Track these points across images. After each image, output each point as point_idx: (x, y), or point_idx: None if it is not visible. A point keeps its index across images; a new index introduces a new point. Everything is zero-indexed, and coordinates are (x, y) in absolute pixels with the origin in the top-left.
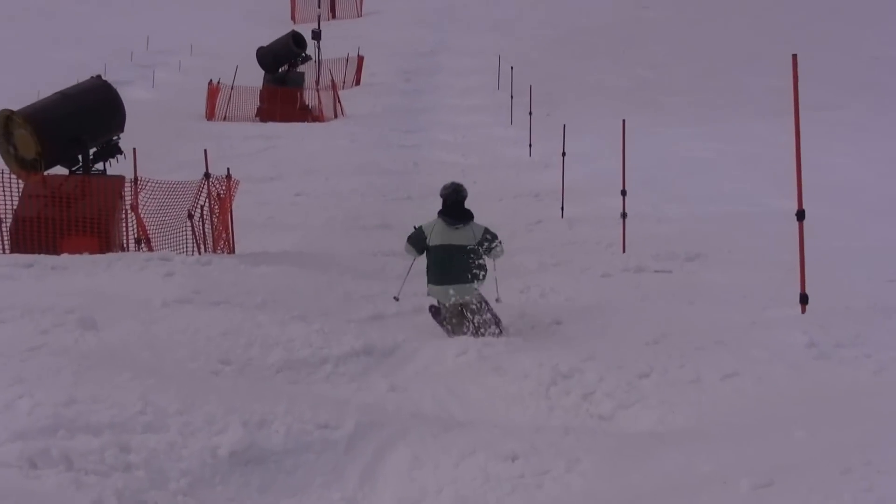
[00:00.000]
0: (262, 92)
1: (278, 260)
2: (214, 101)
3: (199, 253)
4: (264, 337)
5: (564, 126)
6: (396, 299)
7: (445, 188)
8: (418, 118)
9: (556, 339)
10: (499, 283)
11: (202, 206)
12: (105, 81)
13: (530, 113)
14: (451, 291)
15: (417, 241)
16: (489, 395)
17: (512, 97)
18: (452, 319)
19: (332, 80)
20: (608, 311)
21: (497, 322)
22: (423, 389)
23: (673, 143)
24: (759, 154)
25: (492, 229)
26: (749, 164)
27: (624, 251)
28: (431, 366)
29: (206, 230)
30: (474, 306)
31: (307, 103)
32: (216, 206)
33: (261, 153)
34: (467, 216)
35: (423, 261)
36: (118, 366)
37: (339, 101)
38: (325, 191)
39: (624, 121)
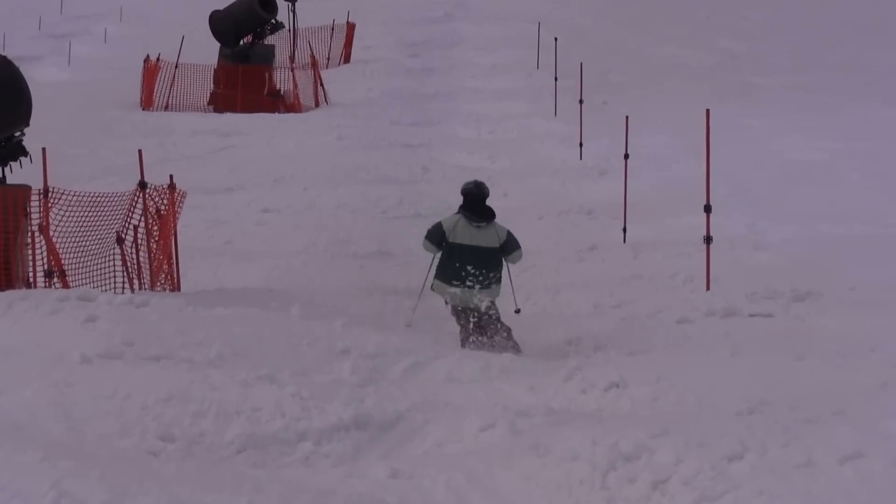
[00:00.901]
0: (217, 72)
1: (239, 299)
2: (152, 85)
3: (132, 290)
4: (220, 404)
5: (627, 119)
6: (409, 326)
7: (467, 184)
8: (429, 107)
9: (615, 407)
10: (516, 294)
11: (136, 227)
12: (3, 57)
13: (581, 101)
14: (466, 294)
15: (436, 238)
16: (524, 484)
17: (556, 79)
18: (464, 323)
19: (313, 57)
20: (687, 369)
21: (508, 332)
22: (434, 476)
23: (772, 141)
24: (889, 155)
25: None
26: (875, 170)
27: (708, 288)
28: (446, 443)
29: (142, 259)
30: (488, 314)
31: (278, 87)
32: (155, 227)
33: (216, 155)
34: (489, 214)
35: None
36: (23, 443)
37: (322, 85)
38: (303, 206)
39: (708, 111)
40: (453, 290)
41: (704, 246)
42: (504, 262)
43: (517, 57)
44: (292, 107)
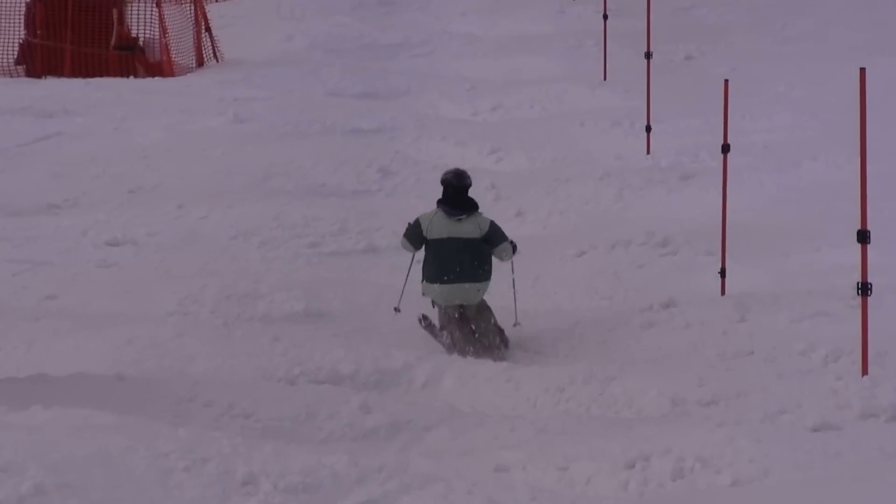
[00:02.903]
0: (30, 8)
1: (70, 395)
2: None
3: None
4: None
5: (727, 85)
6: (397, 310)
7: (446, 173)
8: (391, 67)
9: None
10: (517, 300)
11: None
12: None
13: (649, 54)
14: (452, 291)
15: (413, 235)
16: None
17: (605, 17)
18: (453, 329)
19: None
20: None
21: (501, 332)
22: None
23: None
24: None
25: (513, 244)
26: None
27: (865, 372)
28: None
29: None
30: (473, 312)
31: (134, 35)
32: None
33: (28, 149)
34: (471, 206)
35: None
36: None
37: (209, 31)
38: (177, 235)
39: (863, 71)
40: (436, 287)
41: (859, 300)
42: (501, 261)
43: None
44: (158, 67)
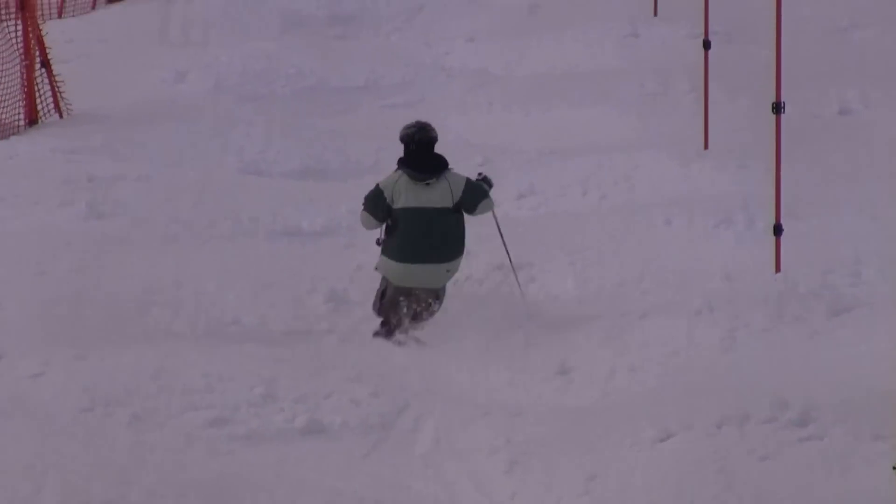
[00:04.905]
0: None
1: None
2: None
3: None
4: None
5: None
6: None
7: (407, 127)
8: (349, 125)
9: None
10: (517, 273)
11: None
12: None
13: (778, 106)
14: (416, 272)
15: (376, 206)
16: None
17: (707, 44)
18: (393, 313)
19: None
20: None
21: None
22: None
23: None
24: None
25: (475, 178)
26: None
27: None
28: None
29: None
30: (430, 299)
31: None
32: None
33: None
34: (439, 165)
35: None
36: None
37: (48, 67)
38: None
39: None
40: (398, 266)
41: None
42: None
43: None
44: None
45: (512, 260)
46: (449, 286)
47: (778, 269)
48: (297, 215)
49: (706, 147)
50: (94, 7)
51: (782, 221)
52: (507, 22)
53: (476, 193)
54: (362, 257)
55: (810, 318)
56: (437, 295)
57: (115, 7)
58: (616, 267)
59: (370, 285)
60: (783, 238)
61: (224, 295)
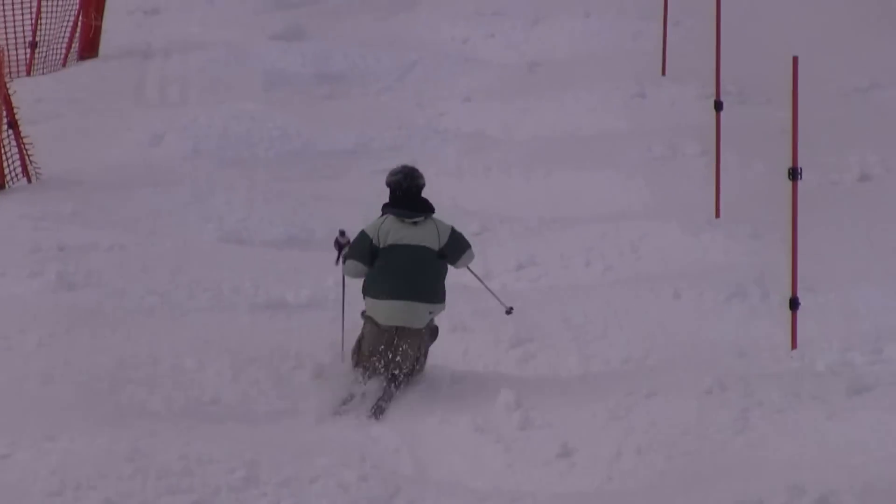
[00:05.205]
0: None
1: None
2: None
3: None
4: None
5: None
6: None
7: (394, 173)
8: (337, 191)
9: None
10: (495, 292)
11: None
12: None
13: (794, 172)
14: (399, 309)
15: (361, 251)
16: None
17: (719, 105)
18: (377, 352)
19: None
20: None
21: (422, 358)
22: None
23: None
24: None
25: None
26: None
27: None
28: None
29: None
30: (417, 334)
31: None
32: None
33: None
34: (426, 207)
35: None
36: None
37: (16, 129)
38: None
39: None
40: (383, 304)
41: None
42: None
43: (603, 29)
44: None
45: (486, 285)
46: (438, 358)
47: (794, 345)
48: (282, 287)
49: (718, 215)
50: (64, 64)
51: (799, 295)
52: (506, 81)
53: (461, 243)
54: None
55: (828, 397)
56: (419, 346)
57: (87, 64)
58: (622, 343)
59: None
60: (800, 312)
61: (203, 371)
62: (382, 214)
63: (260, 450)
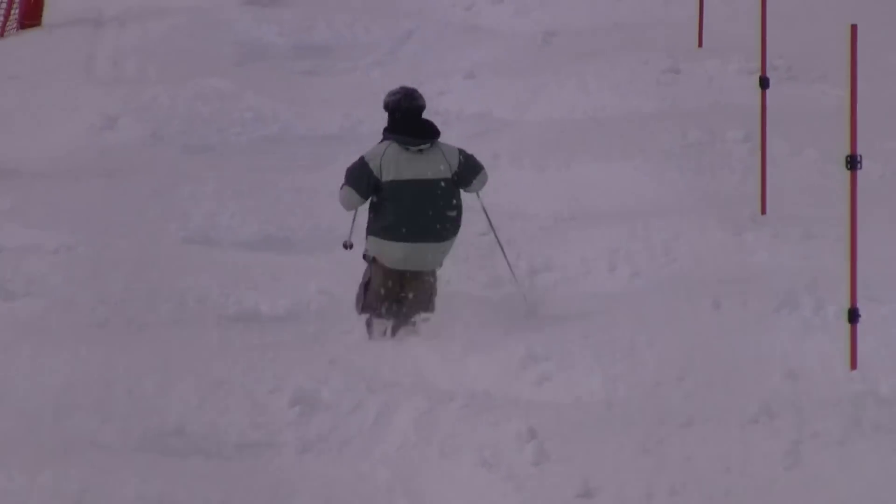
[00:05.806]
0: None
1: None
2: None
3: None
4: None
5: None
6: (349, 246)
7: (393, 93)
8: (320, 182)
9: None
10: (508, 257)
11: None
12: None
13: (853, 160)
14: (414, 252)
15: (360, 181)
16: None
17: (765, 82)
18: (381, 300)
19: None
20: None
21: (432, 297)
22: None
23: None
24: None
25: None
26: None
27: None
28: None
29: None
30: (427, 279)
31: None
32: None
33: None
34: (431, 131)
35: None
36: None
37: None
38: None
39: None
40: (397, 246)
41: None
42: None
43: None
44: None
45: (508, 260)
46: (439, 378)
47: (854, 364)
48: (255, 296)
49: (763, 211)
50: (2, 35)
51: (859, 305)
52: (516, 54)
53: (473, 164)
54: (335, 350)
55: (894, 426)
56: (432, 284)
57: (29, 35)
58: (653, 362)
59: (347, 381)
60: (860, 326)
61: (164, 397)
62: (383, 140)
63: (230, 489)
